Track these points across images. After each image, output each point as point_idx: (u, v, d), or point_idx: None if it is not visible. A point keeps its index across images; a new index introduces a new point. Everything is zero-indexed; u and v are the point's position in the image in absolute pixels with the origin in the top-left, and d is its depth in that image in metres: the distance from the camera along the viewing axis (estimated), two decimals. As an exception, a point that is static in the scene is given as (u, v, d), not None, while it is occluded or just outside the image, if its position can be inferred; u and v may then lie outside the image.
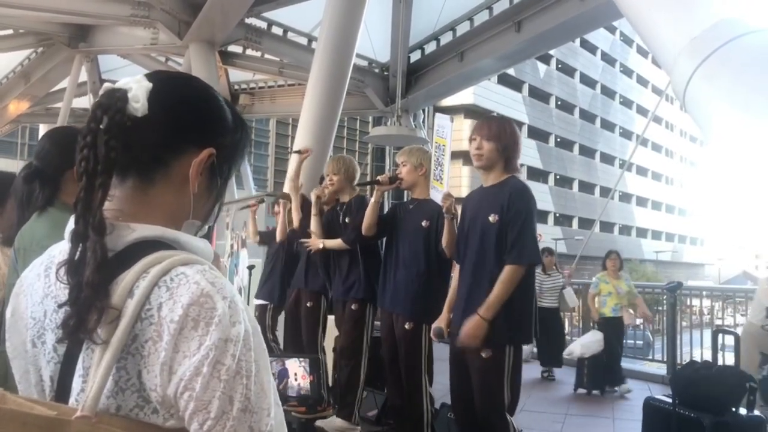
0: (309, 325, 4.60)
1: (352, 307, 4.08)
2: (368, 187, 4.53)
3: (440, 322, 3.11)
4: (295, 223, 4.71)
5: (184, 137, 0.85)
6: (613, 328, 6.39)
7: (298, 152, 4.74)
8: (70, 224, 0.79)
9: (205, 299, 0.72)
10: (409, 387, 3.67)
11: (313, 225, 4.34)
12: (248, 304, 5.78)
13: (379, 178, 3.83)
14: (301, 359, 3.74)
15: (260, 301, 5.67)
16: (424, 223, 3.66)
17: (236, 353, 0.72)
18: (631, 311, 6.51)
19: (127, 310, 0.72)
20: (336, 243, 4.18)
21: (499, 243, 2.84)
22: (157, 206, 0.84)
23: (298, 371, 3.66)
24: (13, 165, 24.79)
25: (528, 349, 7.95)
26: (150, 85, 0.82)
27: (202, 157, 0.85)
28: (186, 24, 8.68)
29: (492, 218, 2.86)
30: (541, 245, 6.11)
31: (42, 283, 0.84)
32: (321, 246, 4.24)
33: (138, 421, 0.73)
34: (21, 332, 0.84)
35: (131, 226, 0.80)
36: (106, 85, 0.82)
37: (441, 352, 3.86)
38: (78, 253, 0.76)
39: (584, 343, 6.39)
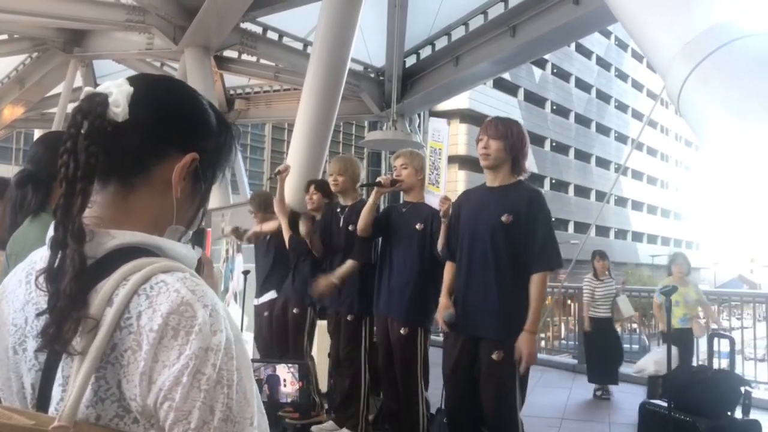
0: (294, 332, 4.55)
1: (348, 318, 4.04)
2: (366, 188, 4.50)
3: (448, 308, 3.02)
4: (288, 243, 4.56)
5: (166, 142, 0.84)
6: (681, 342, 5.65)
7: (278, 173, 4.59)
8: (50, 231, 0.78)
9: (185, 308, 0.71)
10: (404, 392, 3.65)
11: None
12: (243, 309, 5.74)
13: (380, 179, 3.80)
14: (290, 365, 3.72)
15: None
16: (418, 226, 3.65)
17: (217, 362, 0.70)
18: (701, 322, 5.90)
19: (106, 318, 0.71)
20: (348, 267, 3.96)
21: (511, 244, 2.88)
22: (139, 212, 0.82)
23: (287, 377, 3.64)
24: (8, 170, 24.79)
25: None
26: (131, 89, 0.80)
27: (184, 161, 0.83)
28: (181, 29, 8.68)
29: (505, 218, 2.88)
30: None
31: (23, 290, 0.83)
32: (337, 283, 3.95)
33: (118, 430, 0.72)
34: (3, 339, 0.83)
35: (111, 232, 0.79)
36: (87, 89, 0.81)
37: (437, 357, 3.85)
38: (57, 260, 0.75)
39: (658, 360, 5.57)
